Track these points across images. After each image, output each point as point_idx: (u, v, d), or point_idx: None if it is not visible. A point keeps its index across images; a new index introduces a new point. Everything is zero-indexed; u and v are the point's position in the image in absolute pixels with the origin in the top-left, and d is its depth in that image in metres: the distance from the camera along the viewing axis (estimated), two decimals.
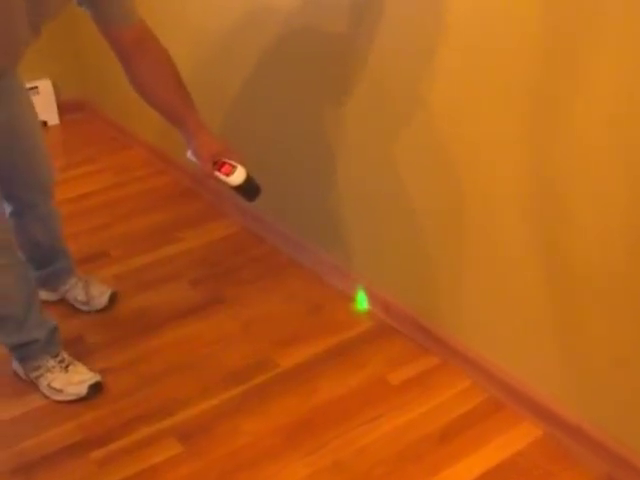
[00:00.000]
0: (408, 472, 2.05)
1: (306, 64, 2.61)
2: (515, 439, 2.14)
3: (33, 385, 2.37)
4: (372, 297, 2.65)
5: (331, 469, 2.07)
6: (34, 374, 2.36)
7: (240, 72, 2.96)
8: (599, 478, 2.01)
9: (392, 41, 2.24)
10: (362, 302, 2.71)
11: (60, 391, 2.33)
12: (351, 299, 2.71)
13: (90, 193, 3.40)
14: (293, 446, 2.14)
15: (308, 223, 2.90)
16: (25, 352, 2.34)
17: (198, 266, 2.99)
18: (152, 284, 2.89)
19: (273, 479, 2.05)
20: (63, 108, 4.35)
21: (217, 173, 2.08)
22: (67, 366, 2.36)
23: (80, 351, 2.49)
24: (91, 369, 2.38)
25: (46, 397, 2.34)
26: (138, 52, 2.07)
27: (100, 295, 2.74)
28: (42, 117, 3.50)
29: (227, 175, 2.06)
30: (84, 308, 2.73)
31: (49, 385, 2.33)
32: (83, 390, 2.32)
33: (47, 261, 2.68)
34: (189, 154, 2.11)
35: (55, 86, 4.29)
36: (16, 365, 2.42)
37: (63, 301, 2.75)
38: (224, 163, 2.08)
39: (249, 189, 2.12)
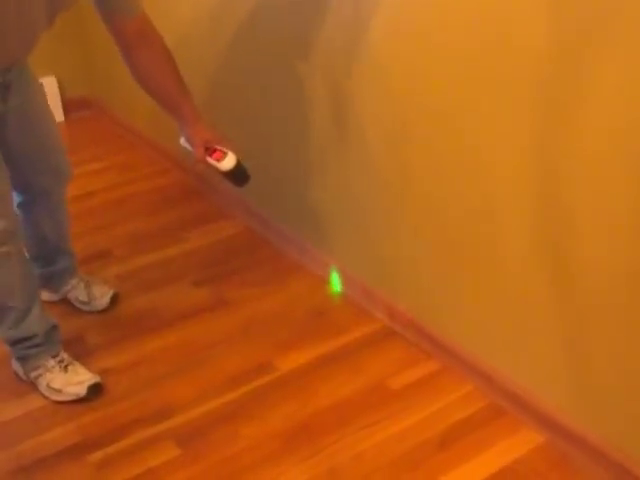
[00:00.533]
0: (404, 479, 2.04)
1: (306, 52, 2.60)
2: (516, 446, 2.12)
3: (32, 386, 2.37)
4: (374, 301, 2.64)
5: (327, 476, 2.06)
6: (34, 374, 2.35)
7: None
8: None
9: (395, 41, 2.23)
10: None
11: (59, 391, 2.33)
12: (353, 303, 2.70)
13: (95, 191, 3.40)
14: (291, 451, 2.13)
15: (312, 226, 2.89)
16: (25, 349, 2.34)
17: (202, 267, 2.99)
18: (155, 284, 2.89)
19: None
20: (70, 105, 4.35)
21: (209, 159, 2.19)
22: (66, 366, 2.35)
23: (80, 351, 2.49)
24: (91, 370, 2.38)
25: (45, 397, 2.34)
26: (140, 43, 2.15)
27: (102, 296, 2.74)
28: None
29: (218, 160, 2.18)
30: (85, 308, 2.73)
31: (48, 385, 2.33)
32: (82, 391, 2.32)
33: (51, 259, 2.68)
34: (182, 141, 2.24)
35: (60, 83, 4.29)
36: (16, 365, 2.42)
37: (64, 301, 2.75)
38: (215, 149, 2.19)
39: (239, 175, 2.23)
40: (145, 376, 2.43)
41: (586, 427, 2.03)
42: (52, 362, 2.35)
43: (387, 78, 2.30)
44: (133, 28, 2.12)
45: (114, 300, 2.75)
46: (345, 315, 2.67)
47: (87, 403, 2.31)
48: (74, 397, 2.32)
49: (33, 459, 2.15)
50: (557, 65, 1.78)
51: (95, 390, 2.34)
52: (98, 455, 2.15)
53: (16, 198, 2.44)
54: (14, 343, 2.35)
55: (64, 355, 2.38)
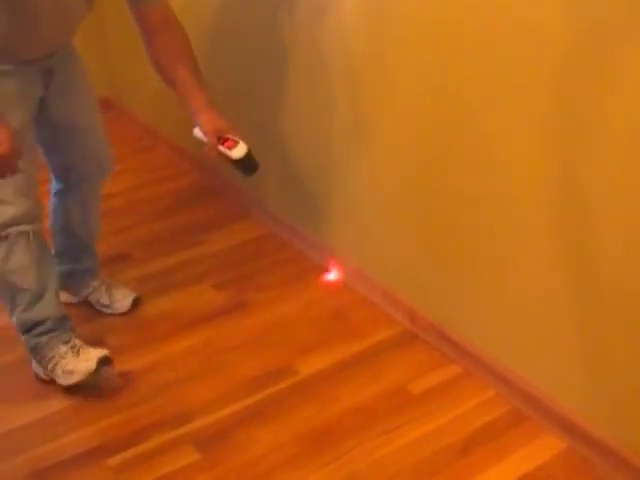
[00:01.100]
0: None
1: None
2: (538, 452, 2.10)
3: (51, 389, 2.37)
4: (396, 305, 2.62)
5: None
6: (50, 365, 2.35)
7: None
8: None
9: (398, 40, 2.21)
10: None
11: (72, 372, 2.32)
12: (374, 307, 2.69)
13: (114, 194, 3.39)
14: (310, 456, 2.12)
15: (333, 229, 2.88)
16: (37, 337, 2.35)
17: (222, 269, 2.98)
18: (175, 287, 2.88)
19: None
20: None
21: (221, 147, 2.25)
22: (78, 350, 2.36)
23: None
24: (111, 373, 2.38)
25: (64, 390, 2.34)
26: (161, 31, 2.26)
27: (123, 299, 2.74)
28: None
29: (230, 149, 2.23)
30: (107, 311, 2.73)
31: (63, 371, 2.33)
32: (92, 365, 2.31)
33: (76, 256, 2.69)
34: (196, 131, 2.29)
35: None
36: (35, 366, 2.42)
37: (85, 303, 2.75)
38: (227, 138, 2.25)
39: (248, 164, 2.27)
40: (165, 379, 2.42)
41: (607, 432, 2.01)
42: (64, 348, 2.35)
43: (395, 76, 2.30)
44: (156, 16, 2.25)
45: (136, 303, 2.75)
46: (366, 319, 2.65)
47: (105, 407, 2.31)
48: (85, 374, 2.31)
49: (51, 463, 2.14)
50: (577, 65, 1.77)
51: (104, 362, 2.33)
52: (117, 459, 2.14)
53: (54, 186, 2.57)
54: (27, 330, 2.36)
55: (76, 341, 2.38)
